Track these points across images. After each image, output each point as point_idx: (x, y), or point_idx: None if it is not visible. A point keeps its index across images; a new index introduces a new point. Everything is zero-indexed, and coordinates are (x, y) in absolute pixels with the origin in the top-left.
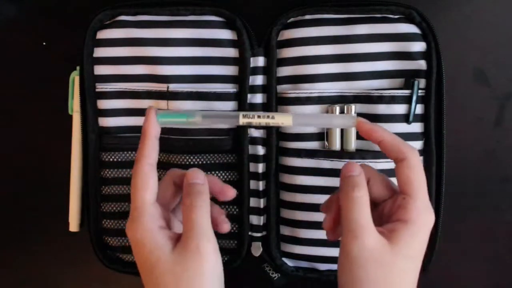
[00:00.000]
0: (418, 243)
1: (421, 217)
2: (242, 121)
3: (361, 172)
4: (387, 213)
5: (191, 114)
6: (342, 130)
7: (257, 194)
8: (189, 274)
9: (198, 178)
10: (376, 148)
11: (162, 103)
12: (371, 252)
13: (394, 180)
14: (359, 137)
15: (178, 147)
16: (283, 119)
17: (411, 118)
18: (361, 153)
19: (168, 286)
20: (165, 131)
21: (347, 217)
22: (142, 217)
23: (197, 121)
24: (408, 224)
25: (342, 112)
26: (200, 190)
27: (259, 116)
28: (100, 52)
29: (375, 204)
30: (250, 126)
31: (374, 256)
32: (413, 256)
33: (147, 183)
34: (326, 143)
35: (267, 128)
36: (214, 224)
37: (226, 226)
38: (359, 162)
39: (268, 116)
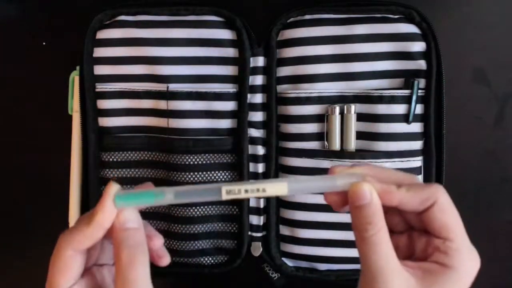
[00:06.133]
0: None
1: (465, 264)
2: (226, 197)
3: (372, 194)
4: (421, 248)
5: (159, 193)
6: (342, 130)
7: None
8: None
9: (132, 221)
10: (376, 148)
11: (162, 103)
12: None
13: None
14: (359, 137)
15: (178, 147)
16: (276, 189)
17: (411, 118)
18: (361, 153)
19: None
20: (165, 131)
21: (365, 259)
22: None
23: (168, 200)
24: (449, 270)
25: (342, 112)
26: (137, 241)
27: (246, 191)
28: (100, 52)
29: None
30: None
31: None
32: None
33: (64, 271)
34: (326, 143)
35: (267, 128)
36: (153, 256)
37: (166, 259)
38: (359, 162)
39: (258, 190)
